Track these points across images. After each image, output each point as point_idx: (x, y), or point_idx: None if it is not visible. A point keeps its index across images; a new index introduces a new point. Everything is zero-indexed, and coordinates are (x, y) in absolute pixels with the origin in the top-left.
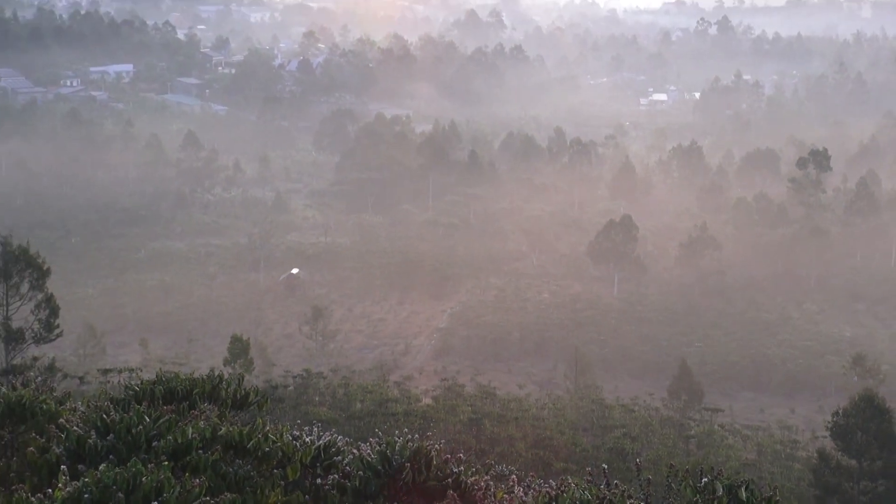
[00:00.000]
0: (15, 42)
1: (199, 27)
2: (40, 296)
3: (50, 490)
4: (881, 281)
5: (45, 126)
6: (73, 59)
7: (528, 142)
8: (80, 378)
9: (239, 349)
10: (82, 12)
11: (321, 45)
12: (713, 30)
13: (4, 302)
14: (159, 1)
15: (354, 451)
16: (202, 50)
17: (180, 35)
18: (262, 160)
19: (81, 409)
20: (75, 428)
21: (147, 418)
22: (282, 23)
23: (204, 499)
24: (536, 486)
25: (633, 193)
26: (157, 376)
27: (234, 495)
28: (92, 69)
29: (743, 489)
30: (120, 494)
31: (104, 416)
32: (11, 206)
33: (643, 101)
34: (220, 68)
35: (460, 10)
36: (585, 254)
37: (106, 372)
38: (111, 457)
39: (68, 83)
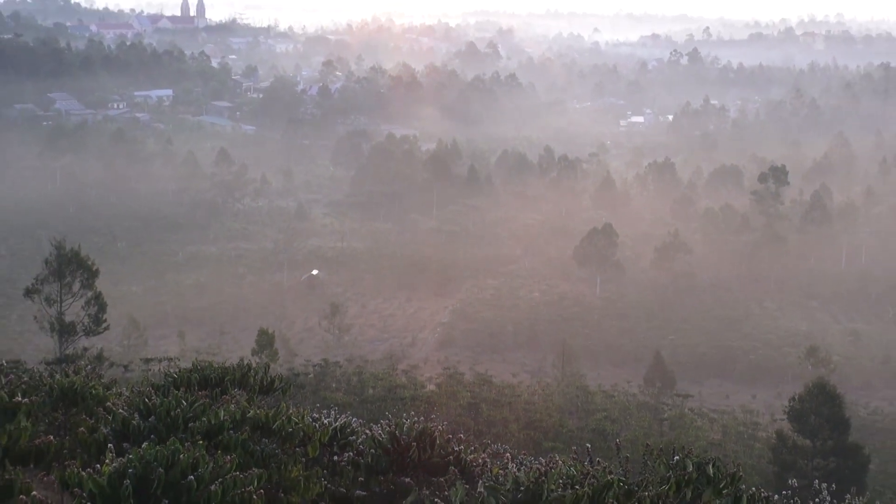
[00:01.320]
0: (69, 69)
1: (230, 57)
2: (90, 293)
3: (98, 465)
4: (833, 281)
5: (94, 144)
6: (120, 85)
7: (520, 159)
8: (125, 366)
9: (265, 341)
10: (128, 43)
11: (338, 73)
12: (684, 60)
13: (58, 299)
14: (196, 34)
15: (367, 431)
16: (233, 77)
17: (214, 64)
18: (286, 174)
19: (126, 393)
20: (121, 410)
21: (184, 402)
22: (304, 53)
23: (234, 473)
24: (528, 463)
25: (613, 204)
26: (192, 365)
27: (261, 470)
28: (136, 94)
29: (710, 466)
30: (160, 469)
31: (146, 400)
32: (65, 214)
33: (622, 122)
34: (249, 93)
35: (461, 42)
36: (571, 257)
37: (148, 361)
38: (152, 436)
39: (115, 106)
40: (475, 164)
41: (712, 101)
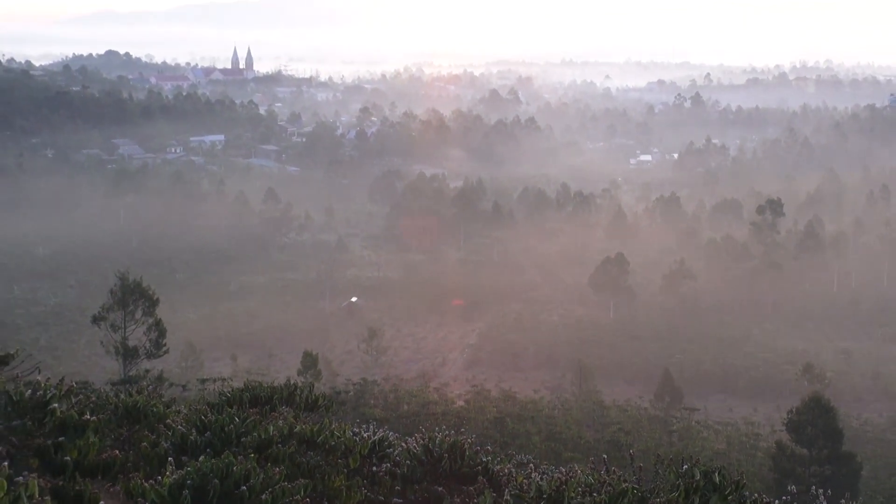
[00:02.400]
0: (131, 118)
1: (276, 105)
2: (151, 320)
3: (160, 477)
4: (826, 304)
5: (154, 185)
6: (177, 131)
7: (540, 195)
8: (183, 386)
9: (309, 362)
10: (184, 94)
11: (374, 118)
12: (688, 104)
13: (122, 325)
14: (245, 84)
15: (403, 444)
16: (279, 123)
17: (262, 111)
18: (328, 211)
19: (184, 411)
20: (180, 427)
21: (237, 419)
22: (343, 101)
23: (283, 484)
24: (550, 472)
25: (624, 235)
26: (244, 385)
27: (306, 481)
28: (192, 139)
29: (716, 474)
30: (216, 480)
31: (202, 417)
32: (128, 248)
33: (632, 161)
34: (293, 137)
35: (485, 89)
36: (587, 284)
37: (203, 381)
38: (208, 450)
39: (173, 150)
40: (498, 200)
41: (714, 141)
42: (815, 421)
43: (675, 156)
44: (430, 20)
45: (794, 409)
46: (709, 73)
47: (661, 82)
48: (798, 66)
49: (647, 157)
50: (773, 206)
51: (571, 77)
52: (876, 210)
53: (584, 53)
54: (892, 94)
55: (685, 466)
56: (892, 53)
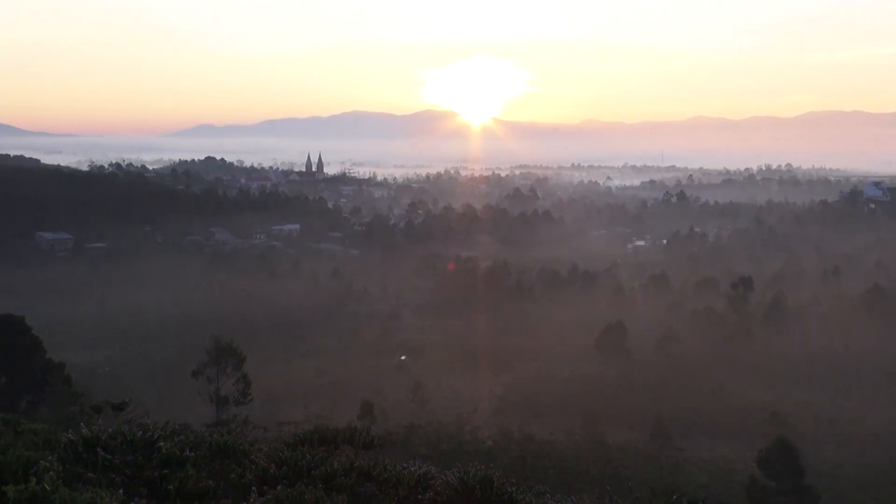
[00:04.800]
0: (224, 210)
1: (342, 200)
2: (239, 374)
3: (244, 503)
4: (789, 363)
5: (242, 265)
6: (262, 221)
7: (554, 273)
8: (264, 428)
9: (367, 409)
10: (268, 191)
11: (420, 211)
12: (674, 199)
13: (216, 378)
14: (316, 184)
15: (443, 477)
16: (344, 215)
17: (330, 205)
18: (382, 286)
19: (265, 449)
20: (261, 461)
21: (308, 455)
22: (395, 197)
23: None
24: (563, 501)
25: (623, 307)
26: (314, 427)
27: None
28: (273, 227)
29: (700, 503)
30: None
31: (280, 453)
32: (221, 316)
33: (629, 246)
34: (355, 226)
35: (509, 187)
36: (593, 346)
37: (281, 424)
38: (285, 481)
39: (258, 237)
40: (520, 277)
41: (696, 229)
42: (781, 459)
43: (665, 241)
44: (464, 134)
45: (763, 450)
46: (691, 175)
47: (652, 182)
48: (764, 168)
49: (642, 243)
50: (745, 283)
51: (579, 178)
52: (829, 286)
53: (590, 159)
54: (841, 192)
55: (675, 496)
56: (839, 159)
